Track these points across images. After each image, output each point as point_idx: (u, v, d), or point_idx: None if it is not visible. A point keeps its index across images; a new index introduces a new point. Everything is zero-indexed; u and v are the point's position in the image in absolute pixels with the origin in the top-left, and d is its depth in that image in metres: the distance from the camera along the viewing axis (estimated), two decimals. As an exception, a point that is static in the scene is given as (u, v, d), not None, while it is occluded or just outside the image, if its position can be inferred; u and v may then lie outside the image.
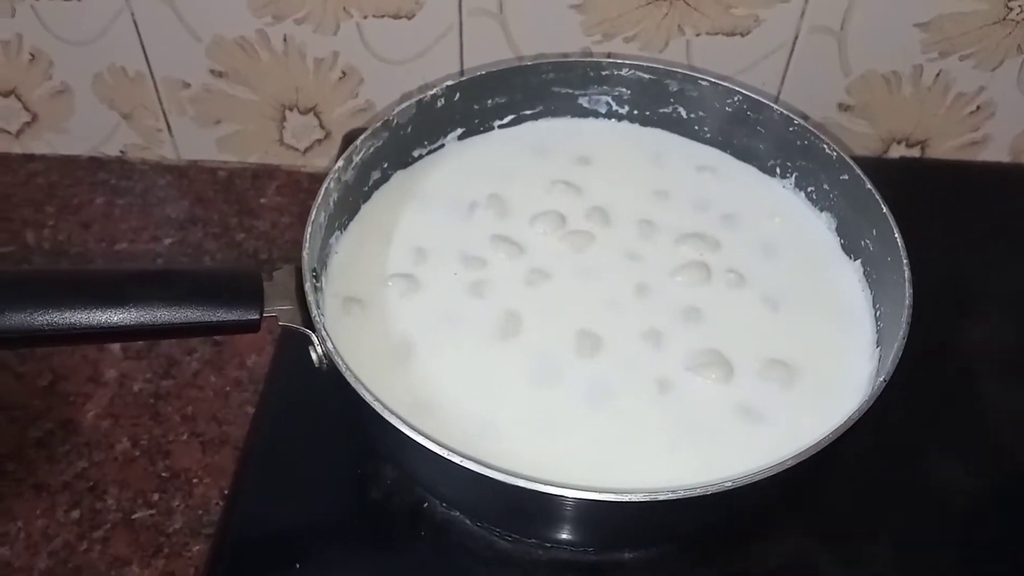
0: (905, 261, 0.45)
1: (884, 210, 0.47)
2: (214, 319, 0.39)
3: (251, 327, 0.40)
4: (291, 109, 0.69)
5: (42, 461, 0.55)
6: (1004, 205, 0.66)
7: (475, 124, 0.56)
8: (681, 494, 0.37)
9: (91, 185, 0.71)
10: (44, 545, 0.51)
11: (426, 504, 0.47)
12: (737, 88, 0.53)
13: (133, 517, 0.53)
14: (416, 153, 0.55)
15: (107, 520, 0.53)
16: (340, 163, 0.48)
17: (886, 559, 0.46)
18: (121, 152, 0.72)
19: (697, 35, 0.63)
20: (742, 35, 0.62)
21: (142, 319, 0.38)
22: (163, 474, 0.55)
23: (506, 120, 0.56)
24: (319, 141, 0.71)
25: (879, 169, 0.68)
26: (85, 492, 0.54)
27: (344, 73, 0.66)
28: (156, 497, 0.54)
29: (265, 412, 0.52)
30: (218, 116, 0.70)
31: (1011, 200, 0.66)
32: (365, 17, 0.63)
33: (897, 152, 0.69)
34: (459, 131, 0.55)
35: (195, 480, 0.54)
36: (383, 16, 0.63)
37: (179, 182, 0.71)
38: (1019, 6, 0.60)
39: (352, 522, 0.48)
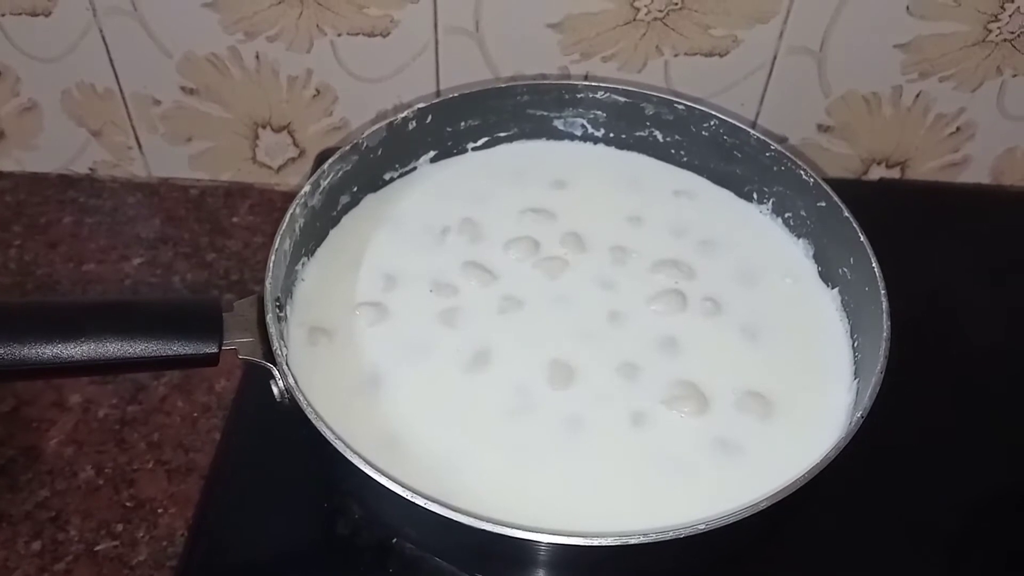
0: (883, 292, 0.44)
1: (861, 238, 0.46)
2: (170, 353, 0.38)
3: (209, 361, 0.39)
4: (264, 127, 0.68)
5: (3, 490, 0.53)
6: (985, 226, 0.65)
7: (448, 146, 0.55)
8: (652, 537, 0.36)
9: (60, 203, 0.69)
10: (3, 578, 0.50)
11: (395, 540, 0.46)
12: (713, 112, 0.52)
13: (96, 549, 0.52)
14: (387, 176, 0.53)
15: (69, 552, 0.51)
16: (306, 188, 0.47)
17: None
18: (91, 169, 0.71)
19: (675, 55, 0.62)
20: (720, 56, 0.62)
21: (96, 353, 0.37)
22: (127, 503, 0.53)
23: (480, 142, 0.55)
24: (293, 159, 0.70)
25: (858, 191, 0.68)
26: (47, 522, 0.53)
27: (318, 91, 0.65)
28: (120, 528, 0.52)
29: (230, 442, 0.51)
30: (190, 133, 0.68)
31: (991, 222, 0.66)
32: (339, 35, 0.62)
33: (877, 173, 0.69)
34: (432, 153, 0.54)
35: (160, 510, 0.53)
36: (357, 34, 0.62)
37: (150, 200, 0.70)
38: (999, 28, 0.59)
39: (319, 557, 0.47)
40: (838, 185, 0.50)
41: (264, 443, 0.50)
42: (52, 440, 0.56)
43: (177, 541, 0.51)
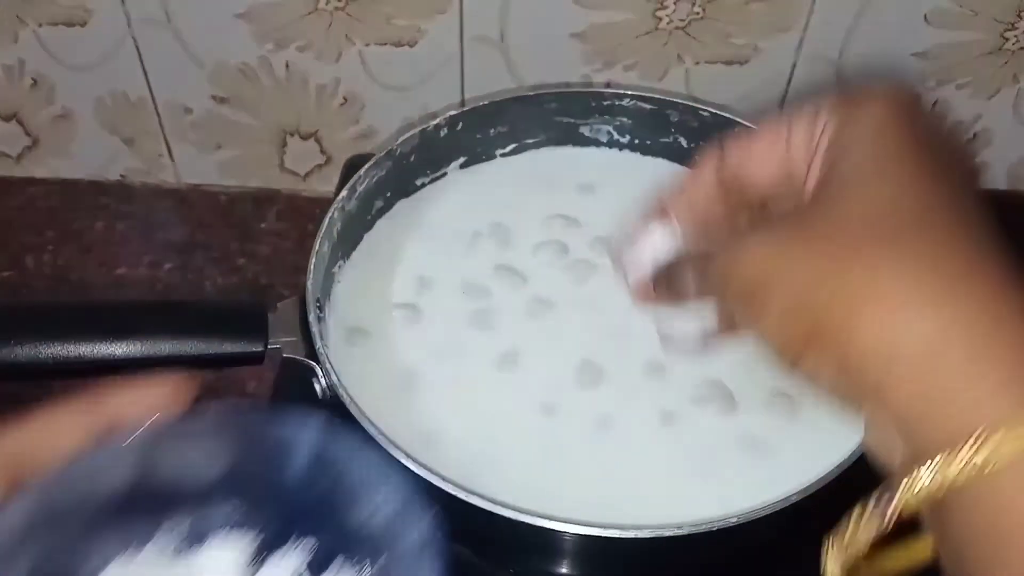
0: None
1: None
2: (219, 351, 0.39)
3: (256, 359, 0.41)
4: (292, 135, 0.69)
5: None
6: (1001, 232, 0.66)
7: (477, 153, 0.56)
8: (687, 530, 0.37)
9: (92, 209, 0.71)
10: None
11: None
12: (737, 119, 0.53)
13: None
14: (419, 182, 0.55)
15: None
16: (344, 193, 0.48)
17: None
18: (122, 176, 0.72)
19: (696, 64, 0.63)
20: (741, 64, 0.63)
21: (147, 351, 0.38)
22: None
23: (508, 149, 0.57)
24: (320, 166, 0.71)
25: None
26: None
27: (345, 99, 0.67)
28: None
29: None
30: (219, 141, 0.70)
31: (1008, 227, 0.66)
32: (367, 45, 0.64)
33: (895, 179, 0.70)
34: (461, 160, 0.56)
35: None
36: (385, 44, 0.63)
37: (180, 207, 0.71)
38: (1015, 36, 0.60)
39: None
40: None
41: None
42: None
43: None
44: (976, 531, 0.22)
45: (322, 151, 0.70)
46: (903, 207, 0.26)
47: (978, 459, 0.21)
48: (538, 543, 0.40)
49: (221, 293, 0.66)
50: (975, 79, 0.63)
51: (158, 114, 0.68)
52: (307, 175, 0.72)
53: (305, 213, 0.71)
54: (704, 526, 0.37)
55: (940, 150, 0.28)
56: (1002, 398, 0.22)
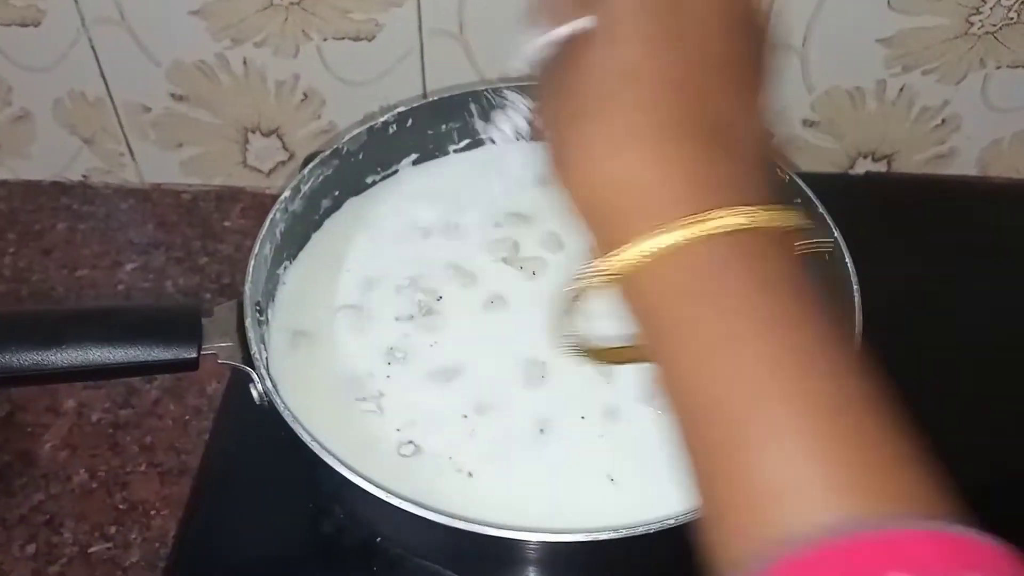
0: (856, 288, 0.44)
1: (836, 234, 0.46)
2: (149, 358, 0.39)
3: (189, 366, 0.40)
4: (254, 131, 0.69)
5: (-1, 495, 0.54)
6: (971, 218, 0.65)
7: (430, 149, 0.55)
8: (623, 533, 0.36)
9: (53, 210, 0.70)
10: (-2, 582, 0.51)
11: (379, 539, 0.46)
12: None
13: (90, 551, 0.53)
14: (369, 179, 0.54)
15: (64, 554, 0.52)
16: (287, 193, 0.48)
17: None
18: (84, 176, 0.72)
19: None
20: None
21: (76, 360, 0.38)
22: (121, 506, 0.54)
23: (462, 144, 0.56)
24: (283, 163, 0.71)
25: (844, 185, 0.68)
26: (42, 526, 0.54)
27: (306, 95, 0.66)
28: (113, 530, 0.54)
29: (217, 444, 0.52)
30: (180, 139, 0.69)
31: (978, 213, 0.66)
32: (325, 39, 0.63)
33: (864, 167, 0.69)
34: (413, 156, 0.55)
35: (153, 512, 0.54)
36: (343, 38, 0.63)
37: (142, 206, 0.71)
38: (980, 20, 0.59)
39: (305, 556, 0.47)
40: (824, 180, 0.50)
41: (250, 444, 0.50)
42: (47, 444, 0.57)
43: (169, 543, 0.52)
44: (644, 306, 0.28)
45: (285, 147, 0.70)
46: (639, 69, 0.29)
47: (645, 249, 0.27)
48: (479, 547, 0.39)
49: (183, 293, 0.65)
50: (942, 64, 0.62)
51: (117, 113, 0.67)
52: (271, 172, 0.71)
53: (269, 210, 0.70)
54: (640, 529, 0.36)
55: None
56: (670, 207, 0.27)
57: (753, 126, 0.31)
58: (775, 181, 0.31)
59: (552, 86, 0.31)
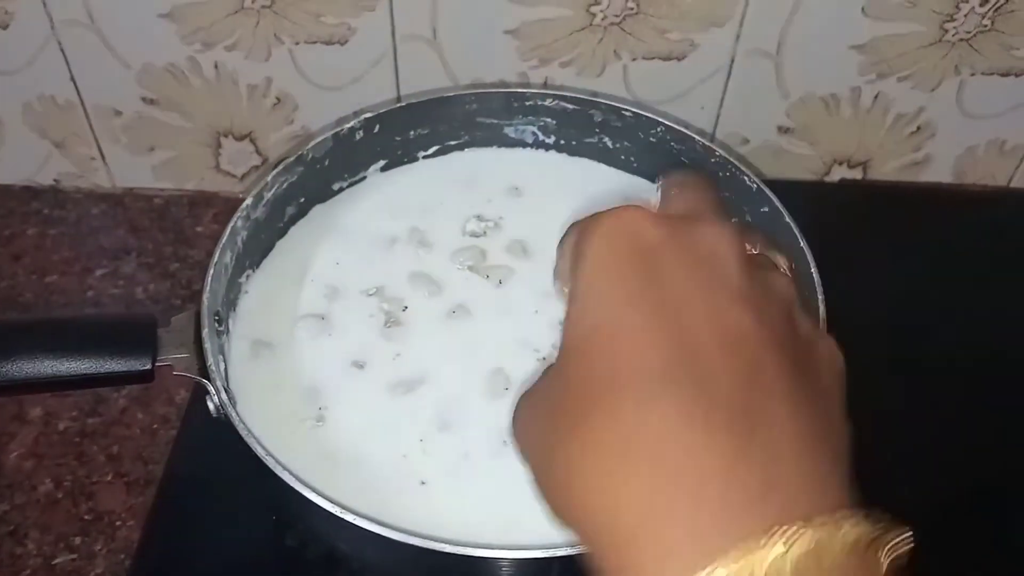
0: (820, 297, 0.44)
1: (801, 243, 0.46)
2: (103, 370, 0.38)
3: (144, 378, 0.39)
4: (226, 136, 0.68)
5: (-38, 506, 0.54)
6: (946, 226, 0.65)
7: (399, 155, 0.55)
8: (580, 549, 0.36)
9: (24, 215, 0.69)
10: (-42, 594, 0.50)
11: (340, 553, 0.46)
12: (659, 119, 0.52)
13: (54, 562, 0.52)
14: (336, 186, 0.53)
15: (27, 566, 0.52)
16: (249, 200, 0.47)
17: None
18: (55, 181, 0.71)
19: (633, 60, 0.62)
20: (678, 59, 0.61)
21: (27, 373, 0.37)
22: (86, 516, 0.54)
23: (431, 151, 0.55)
24: (256, 167, 0.70)
25: (819, 192, 0.68)
26: (5, 536, 0.53)
27: (278, 99, 0.65)
28: (78, 541, 0.53)
29: (181, 454, 0.51)
30: (152, 143, 0.68)
31: (952, 221, 0.65)
32: (297, 43, 0.62)
33: (839, 174, 0.69)
34: (382, 163, 0.54)
35: (118, 523, 0.53)
36: (315, 42, 0.62)
37: (114, 211, 0.70)
38: (955, 28, 0.59)
39: (267, 569, 0.47)
40: (799, 187, 0.49)
41: (214, 455, 0.49)
42: (12, 454, 0.56)
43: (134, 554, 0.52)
44: None
45: (258, 152, 0.69)
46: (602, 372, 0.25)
47: None
48: (437, 563, 0.39)
49: (152, 299, 0.64)
50: (916, 71, 0.62)
51: (88, 117, 0.67)
52: (244, 176, 0.71)
53: (241, 216, 0.70)
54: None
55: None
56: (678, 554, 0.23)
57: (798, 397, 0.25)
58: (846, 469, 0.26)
59: (538, 396, 0.28)
